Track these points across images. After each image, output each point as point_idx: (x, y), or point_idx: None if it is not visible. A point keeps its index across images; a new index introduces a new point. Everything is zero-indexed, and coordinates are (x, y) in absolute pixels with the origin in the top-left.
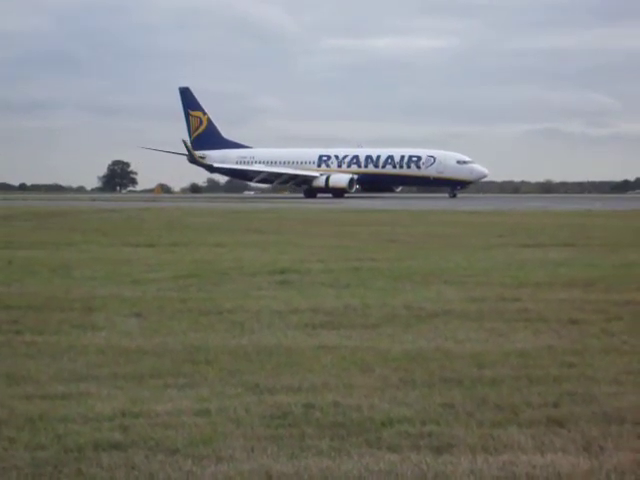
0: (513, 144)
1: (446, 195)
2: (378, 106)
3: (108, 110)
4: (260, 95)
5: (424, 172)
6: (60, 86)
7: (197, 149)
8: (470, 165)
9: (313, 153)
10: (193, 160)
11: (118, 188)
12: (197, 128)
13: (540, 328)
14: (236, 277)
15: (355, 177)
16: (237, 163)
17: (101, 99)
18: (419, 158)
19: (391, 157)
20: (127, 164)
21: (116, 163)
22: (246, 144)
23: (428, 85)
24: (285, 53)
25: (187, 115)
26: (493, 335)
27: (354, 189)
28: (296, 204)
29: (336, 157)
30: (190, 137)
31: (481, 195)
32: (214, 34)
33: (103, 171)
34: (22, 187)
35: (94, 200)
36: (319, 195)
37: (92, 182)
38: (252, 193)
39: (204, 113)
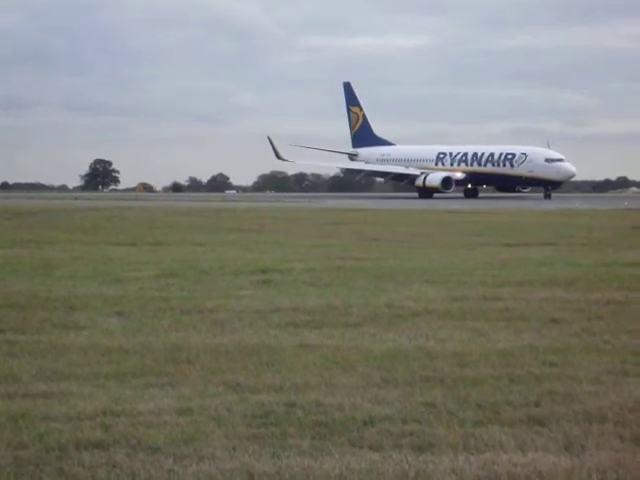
0: (492, 143)
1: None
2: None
3: (89, 108)
4: (238, 94)
5: (516, 171)
6: (39, 83)
7: (355, 146)
8: (557, 164)
9: (432, 150)
10: (279, 157)
11: (100, 187)
12: (355, 124)
13: (521, 327)
14: (218, 276)
15: (456, 176)
16: (378, 161)
17: (82, 97)
18: (513, 156)
19: (492, 155)
20: (109, 163)
21: (98, 162)
22: (391, 141)
23: (405, 83)
24: (261, 51)
25: (348, 111)
26: (475, 334)
27: (451, 189)
28: (281, 203)
29: (450, 154)
30: (351, 133)
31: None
32: (191, 32)
33: (85, 170)
34: (4, 186)
35: (76, 199)
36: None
37: (74, 181)
38: (234, 192)
39: (361, 109)
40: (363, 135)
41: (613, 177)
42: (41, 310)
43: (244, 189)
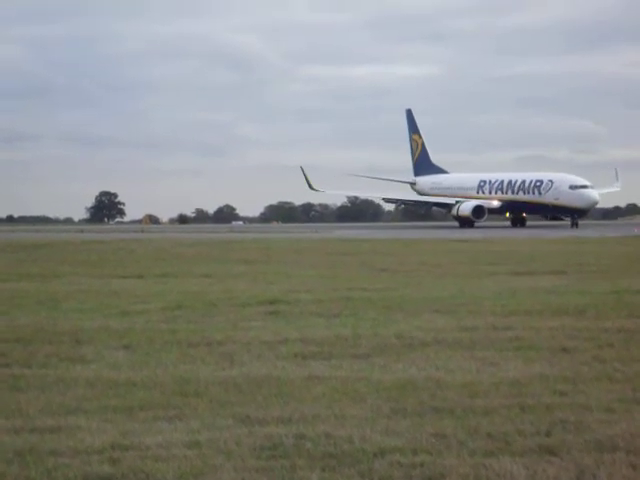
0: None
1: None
2: (360, 134)
3: (92, 141)
4: (241, 124)
5: (543, 198)
6: (41, 117)
7: (416, 174)
8: (580, 191)
9: (475, 179)
10: (311, 187)
11: (106, 219)
12: (415, 152)
13: (532, 356)
14: (225, 308)
15: (492, 204)
16: (431, 189)
17: (84, 130)
18: (541, 183)
19: (523, 182)
20: (114, 195)
21: (103, 194)
22: (446, 169)
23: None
24: (264, 82)
25: (410, 138)
26: (485, 364)
27: (483, 217)
28: (288, 234)
29: (489, 182)
30: (412, 161)
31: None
32: (189, 63)
33: (90, 202)
34: (9, 219)
35: (82, 232)
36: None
37: (80, 213)
38: (240, 223)
39: (420, 136)
40: (422, 163)
41: (622, 204)
42: (47, 344)
43: (251, 220)
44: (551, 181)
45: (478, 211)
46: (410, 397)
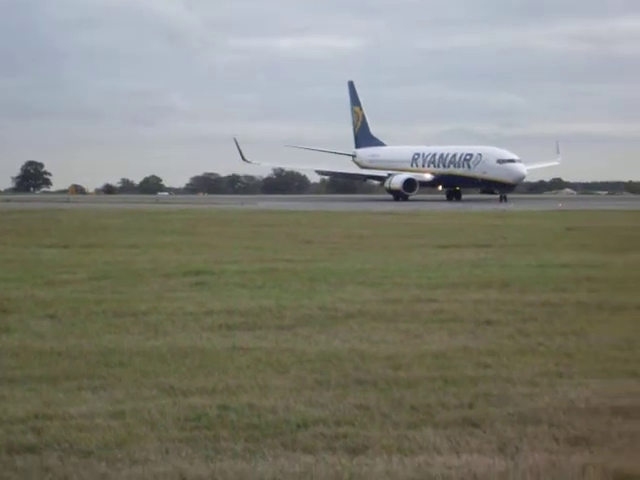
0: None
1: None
2: (287, 106)
3: (19, 110)
4: (168, 95)
5: (472, 172)
6: None
7: (357, 146)
8: (507, 165)
9: (410, 151)
10: (244, 159)
11: (32, 189)
12: (356, 124)
13: (455, 329)
14: (151, 279)
15: (424, 177)
16: (369, 162)
17: (10, 98)
18: (471, 156)
19: (454, 155)
20: (40, 164)
21: (29, 164)
22: (385, 142)
23: (337, 85)
24: (192, 52)
25: (352, 110)
26: (409, 336)
27: (415, 191)
28: (214, 205)
29: (423, 155)
30: (353, 133)
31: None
32: (117, 32)
33: (16, 172)
34: None
35: (8, 201)
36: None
37: (5, 183)
38: (166, 194)
39: (361, 108)
40: (362, 135)
41: (547, 179)
42: None
43: (176, 191)
44: (480, 155)
45: (409, 184)
46: (334, 369)
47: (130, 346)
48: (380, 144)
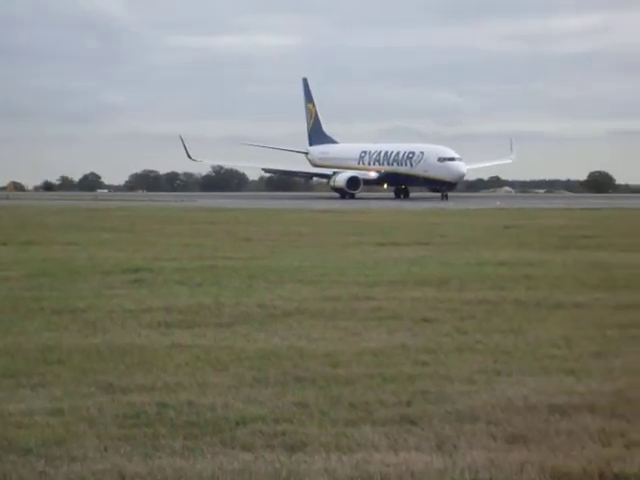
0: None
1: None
2: (226, 104)
3: None
4: (107, 93)
5: (414, 170)
6: None
7: (311, 144)
8: (448, 163)
9: (357, 149)
10: (190, 157)
11: None
12: (310, 121)
13: (394, 327)
14: (89, 276)
15: (369, 175)
16: (320, 160)
17: None
18: (413, 154)
19: (398, 153)
20: None
21: None
22: (337, 139)
23: (276, 83)
24: (130, 51)
25: (306, 107)
26: (347, 334)
27: (358, 189)
28: (153, 202)
29: (369, 153)
30: (307, 131)
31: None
32: (55, 30)
33: None
34: None
35: None
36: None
37: None
38: (105, 191)
39: (314, 105)
40: (316, 133)
41: (486, 177)
42: None
43: (116, 188)
44: (422, 153)
45: (353, 182)
46: (273, 366)
47: (69, 343)
48: (332, 142)
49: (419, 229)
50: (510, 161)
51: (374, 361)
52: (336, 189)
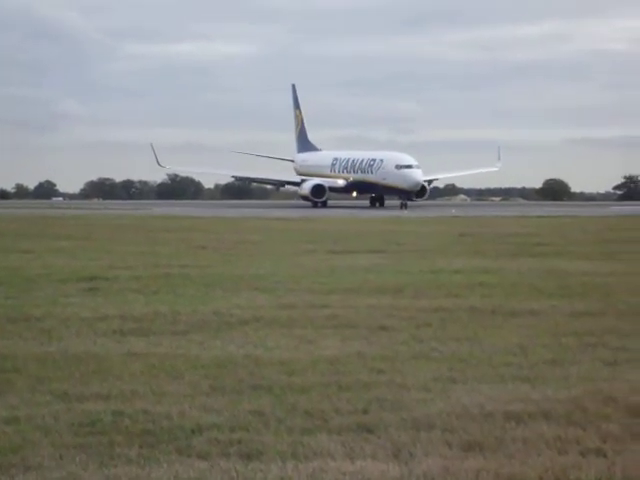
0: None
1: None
2: (181, 112)
3: None
4: (62, 101)
5: (374, 178)
6: None
7: (298, 151)
8: (404, 171)
9: (329, 157)
10: (159, 164)
11: None
12: (297, 128)
13: (349, 335)
14: (44, 284)
15: (337, 183)
16: (302, 167)
17: None
18: (374, 162)
19: (362, 161)
20: None
21: None
22: (319, 147)
23: (234, 91)
24: (87, 59)
25: (294, 114)
26: (303, 342)
27: (323, 197)
28: (109, 210)
29: (339, 161)
30: (295, 138)
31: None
32: (10, 37)
33: None
34: None
35: None
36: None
37: None
38: (61, 199)
39: (300, 112)
40: (301, 140)
41: (441, 185)
42: None
43: (71, 196)
44: (382, 160)
45: (318, 190)
46: (228, 374)
47: (24, 352)
48: (314, 149)
49: (375, 237)
50: (497, 169)
51: (330, 369)
52: (303, 197)
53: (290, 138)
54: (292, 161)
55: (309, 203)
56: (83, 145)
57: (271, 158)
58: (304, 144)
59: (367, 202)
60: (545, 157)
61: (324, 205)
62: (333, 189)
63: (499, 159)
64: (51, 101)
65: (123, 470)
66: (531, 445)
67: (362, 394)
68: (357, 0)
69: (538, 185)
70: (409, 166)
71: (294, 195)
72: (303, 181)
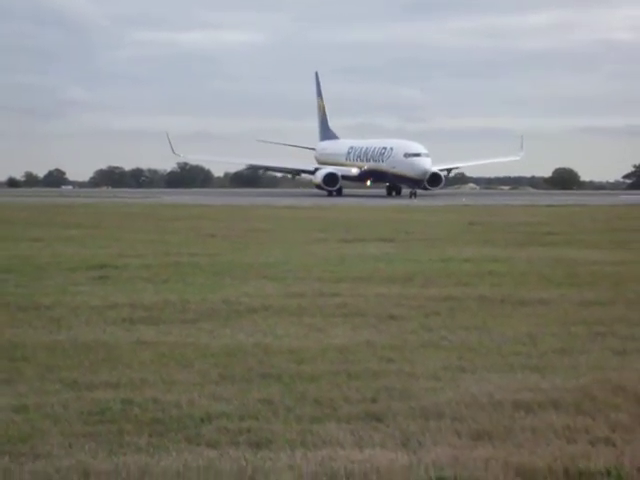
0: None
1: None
2: (189, 100)
3: None
4: (70, 88)
5: (384, 166)
6: None
7: (321, 139)
8: (412, 159)
9: (345, 145)
10: (174, 152)
11: None
12: (320, 116)
13: (359, 323)
14: (54, 272)
15: (351, 172)
16: (320, 155)
17: None
18: (385, 150)
19: (374, 149)
20: None
21: None
22: (338, 135)
23: (239, 79)
24: (94, 46)
25: (317, 102)
26: (312, 330)
27: (336, 185)
28: (118, 199)
29: (354, 149)
30: (318, 126)
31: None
32: (17, 24)
33: None
34: None
35: None
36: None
37: None
38: (70, 187)
39: (322, 100)
40: (323, 128)
41: (452, 173)
42: None
43: (81, 185)
44: (392, 148)
45: (330, 179)
46: (238, 363)
47: (33, 340)
48: (335, 137)
49: (385, 226)
50: (518, 158)
51: (339, 358)
52: (316, 186)
53: (299, 126)
54: (313, 149)
55: (324, 192)
56: (91, 133)
57: (294, 147)
58: (325, 132)
59: (384, 191)
60: (555, 146)
61: (339, 194)
62: (347, 178)
63: (522, 148)
64: (58, 88)
65: (132, 458)
66: (540, 434)
67: (371, 383)
68: None
69: (547, 174)
70: (417, 154)
71: (309, 184)
72: (317, 170)
